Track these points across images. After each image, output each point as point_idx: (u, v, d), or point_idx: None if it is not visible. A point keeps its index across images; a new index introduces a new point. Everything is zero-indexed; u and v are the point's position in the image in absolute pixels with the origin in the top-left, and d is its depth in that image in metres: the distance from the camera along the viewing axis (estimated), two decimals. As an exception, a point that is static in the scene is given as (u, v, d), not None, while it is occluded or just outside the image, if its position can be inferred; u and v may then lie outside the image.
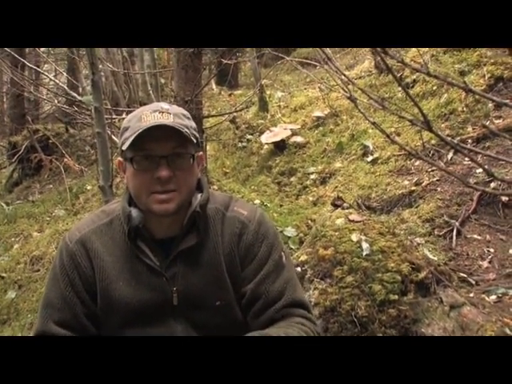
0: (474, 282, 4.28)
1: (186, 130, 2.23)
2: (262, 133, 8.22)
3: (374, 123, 2.42)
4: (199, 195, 2.40)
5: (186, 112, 2.36)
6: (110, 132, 5.09)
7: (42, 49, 12.49)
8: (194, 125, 2.34)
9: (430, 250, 4.50)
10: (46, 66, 13.98)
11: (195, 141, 2.28)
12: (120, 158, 2.37)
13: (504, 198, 4.87)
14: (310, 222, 5.22)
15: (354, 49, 11.35)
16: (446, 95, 6.59)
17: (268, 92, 9.80)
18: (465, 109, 6.21)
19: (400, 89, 7.37)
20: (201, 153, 2.42)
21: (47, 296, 2.39)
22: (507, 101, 3.98)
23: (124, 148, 2.25)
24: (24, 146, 10.13)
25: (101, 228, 2.40)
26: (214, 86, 12.04)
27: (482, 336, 3.36)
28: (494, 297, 4.03)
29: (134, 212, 2.32)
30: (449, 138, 2.28)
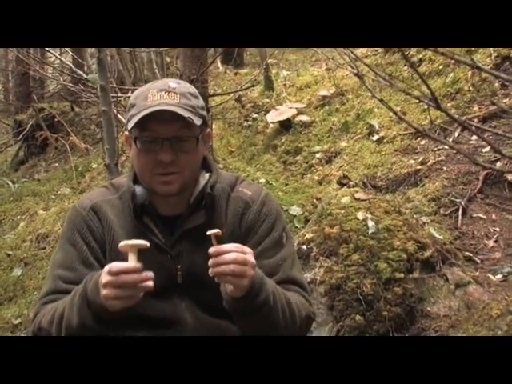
0: (479, 261, 4.28)
1: (192, 111, 2.23)
2: (267, 112, 8.18)
3: (381, 100, 2.42)
4: (207, 174, 2.41)
5: (193, 90, 2.35)
6: (115, 110, 5.09)
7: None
8: (201, 103, 2.34)
9: (435, 229, 4.49)
10: (51, 44, 13.92)
11: (202, 120, 2.28)
12: (126, 133, 2.38)
13: (510, 177, 4.86)
14: (315, 200, 5.22)
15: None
16: (452, 74, 6.56)
17: (274, 71, 9.75)
18: (471, 88, 6.18)
19: (406, 68, 7.35)
20: (208, 130, 2.42)
21: (58, 259, 2.39)
22: (514, 79, 3.96)
23: (129, 127, 2.25)
24: (29, 125, 10.12)
25: (112, 201, 2.42)
26: (219, 65, 12.01)
27: (482, 336, 3.35)
28: (499, 276, 4.03)
29: (139, 190, 2.34)
30: (456, 115, 2.28)
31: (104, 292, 1.96)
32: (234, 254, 1.97)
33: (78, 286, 2.17)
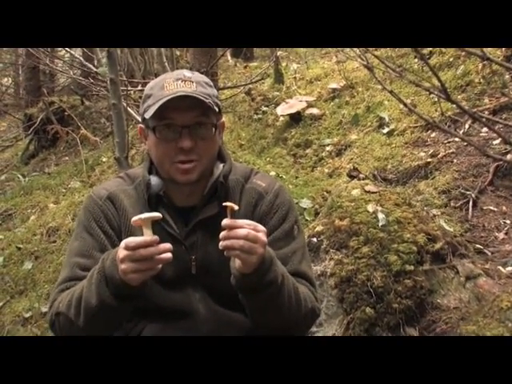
0: (489, 254, 4.27)
1: (209, 98, 2.26)
2: (277, 105, 8.17)
3: (391, 91, 2.42)
4: (221, 165, 2.43)
5: (207, 80, 2.39)
6: (125, 104, 5.09)
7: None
8: (215, 93, 2.37)
9: (446, 222, 4.48)
10: (61, 38, 13.90)
11: (217, 109, 2.30)
12: (141, 125, 2.40)
13: (521, 169, 4.85)
14: (325, 193, 5.22)
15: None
16: (462, 67, 6.54)
17: (283, 64, 9.73)
18: (481, 80, 6.16)
19: (416, 60, 7.33)
20: (222, 120, 2.44)
21: (75, 248, 2.41)
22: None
23: (146, 117, 2.28)
24: (40, 119, 10.12)
25: (128, 191, 2.44)
26: (229, 58, 11.99)
27: (488, 336, 3.34)
28: (510, 268, 4.02)
29: (154, 180, 2.36)
30: (466, 107, 2.28)
31: (122, 266, 1.99)
32: (245, 230, 1.99)
33: (94, 267, 2.18)
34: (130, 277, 2.00)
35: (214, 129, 2.33)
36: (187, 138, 2.25)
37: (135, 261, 1.97)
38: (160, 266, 2.02)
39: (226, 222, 2.00)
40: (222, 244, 1.99)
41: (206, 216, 2.36)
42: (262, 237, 2.03)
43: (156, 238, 1.97)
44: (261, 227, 2.05)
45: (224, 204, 2.04)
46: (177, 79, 2.29)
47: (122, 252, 1.99)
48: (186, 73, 2.34)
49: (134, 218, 2.00)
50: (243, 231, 1.98)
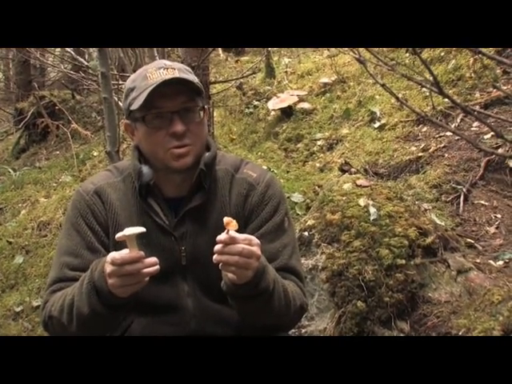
0: (480, 248, 4.28)
1: (195, 82, 2.27)
2: (268, 99, 8.16)
3: (383, 85, 2.43)
4: (207, 154, 2.41)
5: (187, 67, 2.39)
6: (116, 98, 5.08)
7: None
8: (197, 79, 2.36)
9: (437, 216, 4.50)
10: (51, 32, 13.82)
11: (203, 92, 2.32)
12: (126, 121, 2.39)
13: (512, 164, 4.86)
14: (316, 187, 5.22)
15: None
16: (453, 61, 6.55)
17: (275, 58, 9.72)
18: (473, 75, 6.17)
19: (408, 55, 7.33)
20: (206, 106, 2.44)
21: (64, 246, 2.39)
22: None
23: (133, 108, 2.27)
24: (30, 113, 10.09)
25: (115, 184, 2.42)
26: (220, 52, 11.96)
27: (480, 336, 3.35)
28: (500, 262, 4.04)
29: (145, 169, 2.35)
30: (458, 101, 2.28)
31: (110, 281, 1.99)
32: (240, 245, 1.97)
33: (84, 274, 2.17)
34: (118, 291, 2.01)
35: (201, 112, 2.33)
36: (178, 122, 2.24)
37: (122, 276, 1.97)
38: (147, 278, 2.02)
39: (221, 237, 1.98)
40: (216, 258, 1.98)
41: (193, 205, 2.34)
42: (257, 251, 2.02)
43: (141, 253, 1.97)
44: (256, 241, 2.04)
45: (224, 219, 2.01)
46: (158, 68, 2.29)
47: (108, 267, 1.99)
48: (166, 62, 2.35)
49: (118, 235, 1.99)
50: (238, 247, 1.96)
